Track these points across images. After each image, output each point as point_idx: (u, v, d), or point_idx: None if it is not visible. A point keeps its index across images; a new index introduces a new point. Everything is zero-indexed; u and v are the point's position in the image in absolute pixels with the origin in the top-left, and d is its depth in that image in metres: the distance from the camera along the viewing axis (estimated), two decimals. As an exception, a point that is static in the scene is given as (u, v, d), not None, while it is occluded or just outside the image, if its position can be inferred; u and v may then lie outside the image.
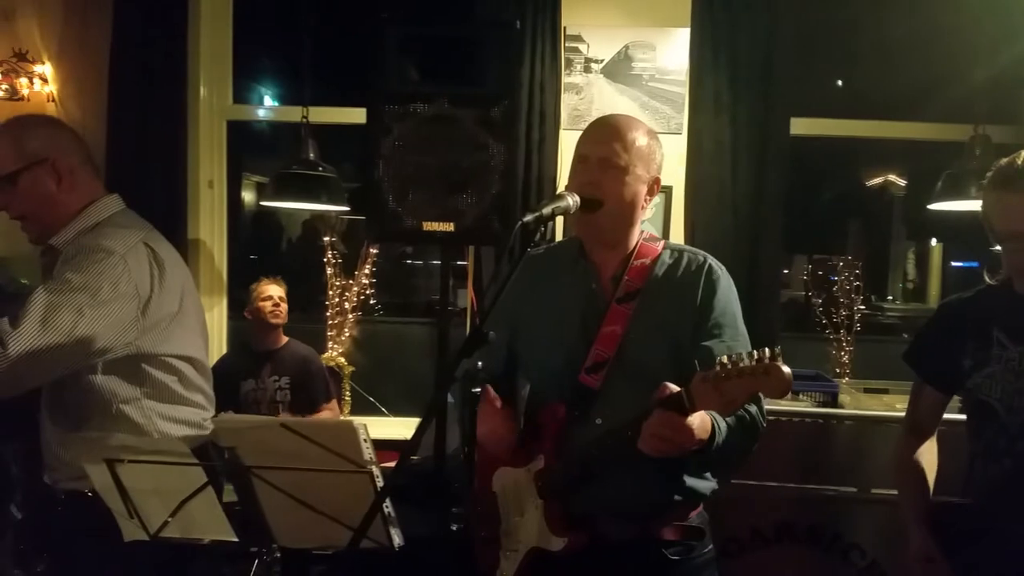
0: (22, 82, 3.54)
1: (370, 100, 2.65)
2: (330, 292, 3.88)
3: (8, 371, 1.58)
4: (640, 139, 1.66)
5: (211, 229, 3.72)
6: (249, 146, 4.40)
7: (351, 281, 3.88)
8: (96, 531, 1.60)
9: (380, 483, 1.38)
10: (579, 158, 1.67)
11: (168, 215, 3.39)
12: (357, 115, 3.30)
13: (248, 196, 5.71)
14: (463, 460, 2.68)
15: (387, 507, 1.40)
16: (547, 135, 3.40)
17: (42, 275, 1.84)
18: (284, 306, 3.46)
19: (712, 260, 1.73)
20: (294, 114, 3.45)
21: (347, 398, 3.81)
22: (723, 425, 1.52)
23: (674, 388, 1.40)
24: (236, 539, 1.50)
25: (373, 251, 3.90)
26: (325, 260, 3.86)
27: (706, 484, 1.71)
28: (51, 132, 1.79)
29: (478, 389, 1.48)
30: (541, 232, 1.53)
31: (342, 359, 3.82)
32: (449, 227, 2.63)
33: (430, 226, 2.64)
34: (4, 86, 3.52)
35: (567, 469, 1.64)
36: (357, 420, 1.37)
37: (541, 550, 1.67)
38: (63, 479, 1.79)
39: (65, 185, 1.76)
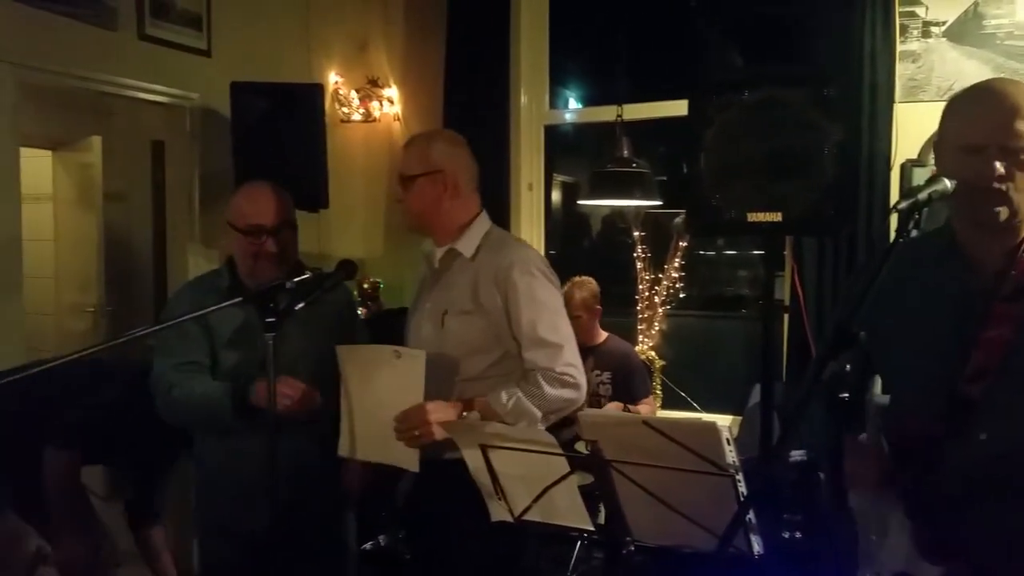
0: (374, 105, 4.06)
1: (691, 92, 2.60)
2: (640, 286, 3.91)
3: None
4: None
5: (530, 229, 3.95)
6: (554, 147, 4.57)
7: (660, 275, 3.87)
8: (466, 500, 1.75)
9: (742, 489, 1.34)
10: (969, 148, 1.42)
11: (494, 217, 3.64)
12: (673, 108, 3.27)
13: (554, 195, 5.98)
14: (813, 470, 2.53)
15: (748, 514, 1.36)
16: (879, 111, 3.09)
17: (435, 272, 2.08)
18: (597, 309, 3.49)
19: None
20: (608, 113, 3.52)
21: (658, 392, 3.81)
22: None
23: None
24: (592, 528, 1.55)
25: (682, 244, 3.86)
26: (635, 255, 3.89)
27: None
28: (453, 150, 2.05)
29: (845, 395, 1.36)
30: (915, 220, 1.36)
31: (653, 353, 3.83)
32: (776, 217, 2.49)
33: (755, 217, 2.52)
34: (361, 110, 4.06)
35: (945, 489, 1.45)
36: (720, 422, 1.34)
37: (909, 576, 1.50)
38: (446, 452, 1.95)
39: (449, 194, 1.99)
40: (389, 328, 2.46)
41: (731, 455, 1.33)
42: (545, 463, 1.49)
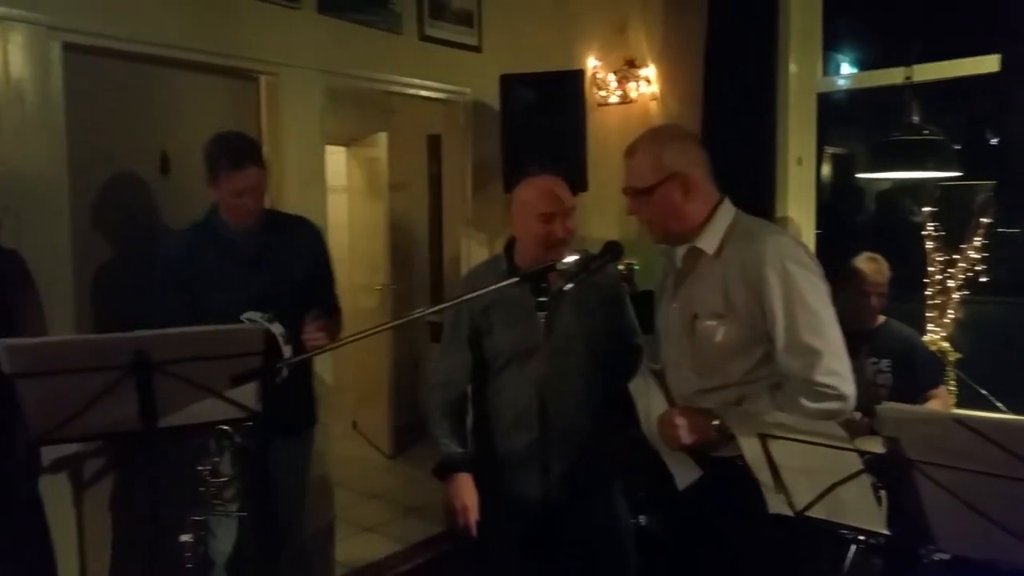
0: (631, 86, 4.04)
1: (1003, 45, 2.26)
2: (930, 269, 3.50)
3: None
4: None
5: (799, 206, 3.69)
6: (823, 117, 4.23)
7: (955, 256, 3.43)
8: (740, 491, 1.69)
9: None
10: None
11: (758, 194, 3.47)
12: (975, 65, 2.86)
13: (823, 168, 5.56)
14: None
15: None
16: None
17: (678, 272, 2.01)
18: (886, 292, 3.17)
19: None
20: (893, 76, 3.18)
21: (952, 388, 3.39)
22: None
23: None
24: (886, 532, 1.42)
25: (984, 220, 3.38)
26: (924, 233, 3.49)
27: None
28: (682, 147, 1.92)
29: None
30: None
31: (945, 344, 3.41)
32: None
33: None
34: (618, 92, 4.06)
35: None
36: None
37: None
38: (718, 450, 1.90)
39: (688, 196, 1.88)
40: (644, 310, 2.46)
41: (1070, 464, 1.14)
42: (833, 457, 1.39)
